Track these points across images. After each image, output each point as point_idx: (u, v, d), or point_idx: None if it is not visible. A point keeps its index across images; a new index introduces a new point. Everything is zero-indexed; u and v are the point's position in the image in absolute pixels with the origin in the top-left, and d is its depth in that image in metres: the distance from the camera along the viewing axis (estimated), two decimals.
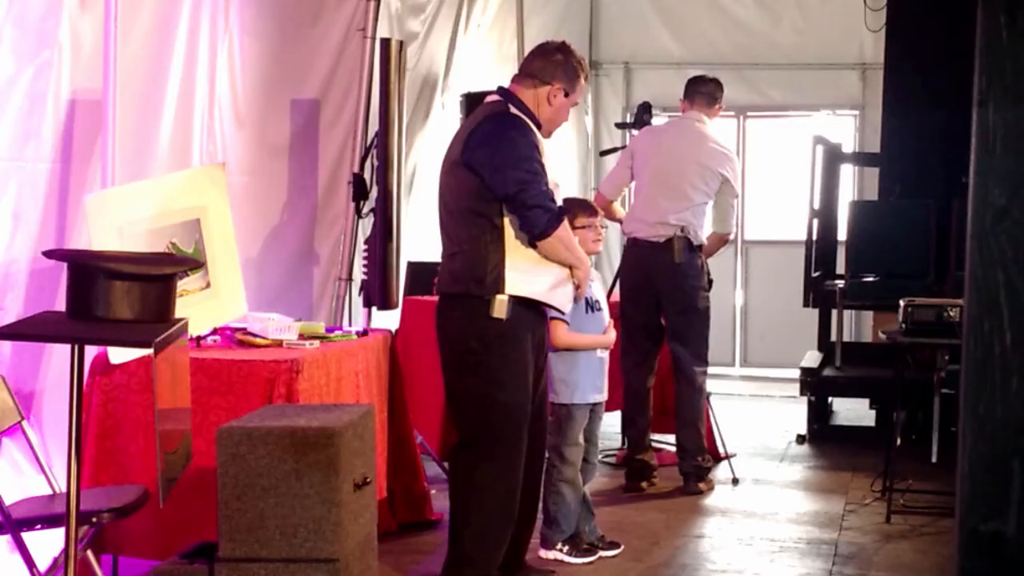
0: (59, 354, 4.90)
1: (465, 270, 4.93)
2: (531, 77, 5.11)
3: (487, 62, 9.86)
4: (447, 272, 5.02)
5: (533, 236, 4.92)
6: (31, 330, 3.44)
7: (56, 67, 5.00)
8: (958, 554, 2.44)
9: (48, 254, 3.52)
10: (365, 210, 7.21)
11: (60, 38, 4.99)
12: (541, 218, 4.87)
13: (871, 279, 9.23)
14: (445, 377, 5.09)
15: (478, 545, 5.01)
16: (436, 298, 5.20)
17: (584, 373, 5.71)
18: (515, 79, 5.18)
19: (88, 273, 3.37)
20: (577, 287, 5.19)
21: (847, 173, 11.14)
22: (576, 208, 5.54)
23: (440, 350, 5.09)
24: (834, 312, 9.52)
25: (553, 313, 5.39)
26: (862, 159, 11.37)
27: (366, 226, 7.20)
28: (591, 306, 5.76)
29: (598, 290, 5.84)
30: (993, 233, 2.12)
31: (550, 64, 5.11)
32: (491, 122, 4.98)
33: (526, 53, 9.90)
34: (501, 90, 5.16)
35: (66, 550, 3.51)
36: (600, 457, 6.54)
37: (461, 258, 4.94)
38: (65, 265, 3.50)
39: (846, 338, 9.87)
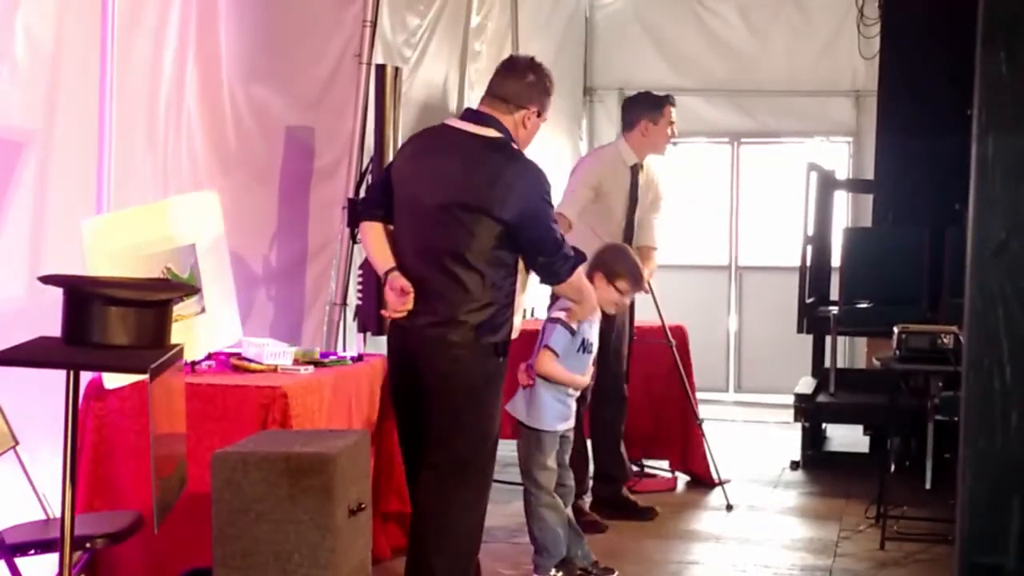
0: (53, 379, 4.88)
1: (488, 321, 4.86)
2: (505, 103, 4.98)
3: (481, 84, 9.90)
4: (467, 324, 4.83)
5: (554, 280, 5.06)
6: (26, 356, 3.43)
7: None
8: None
9: (44, 279, 3.51)
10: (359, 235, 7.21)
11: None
12: (565, 267, 4.99)
13: (865, 305, 9.24)
14: (436, 408, 4.92)
15: (450, 573, 4.98)
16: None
17: (550, 403, 5.71)
18: (490, 104, 5.02)
19: (84, 299, 3.37)
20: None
21: (841, 200, 11.16)
22: (625, 275, 5.84)
23: (434, 383, 4.91)
24: (828, 338, 9.54)
25: (548, 340, 5.61)
26: (856, 186, 11.41)
27: (361, 251, 7.21)
28: (584, 347, 5.75)
29: (595, 333, 5.82)
30: (992, 267, 2.12)
31: (524, 88, 5.01)
32: (519, 174, 4.88)
33: None
34: (488, 118, 4.98)
35: None
36: None
37: (487, 311, 4.84)
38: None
39: (840, 364, 9.88)
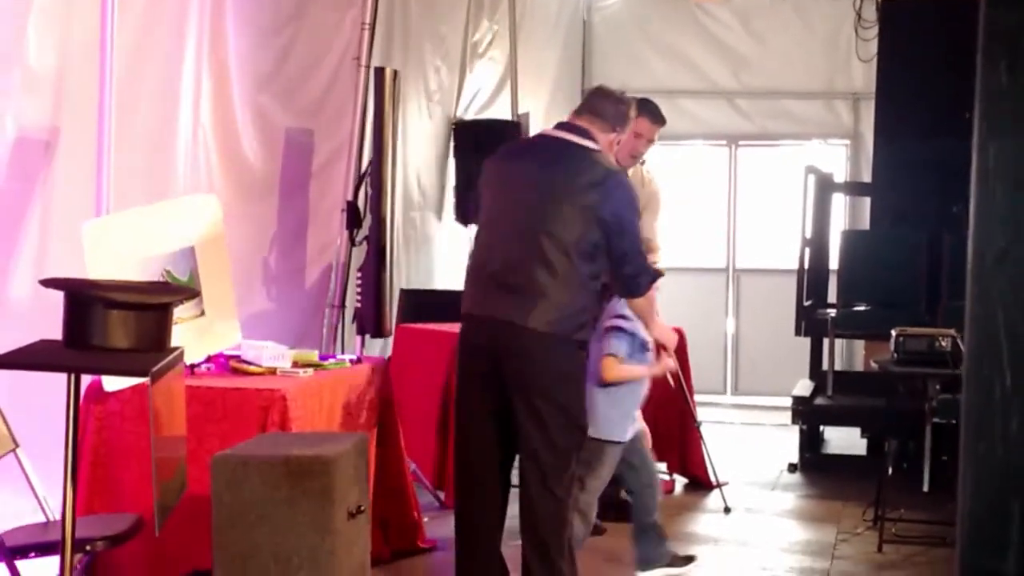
0: (53, 382, 4.89)
1: (576, 314, 5.01)
2: (603, 120, 5.22)
3: (490, 90, 10.01)
4: (558, 310, 4.97)
5: (634, 293, 5.26)
6: (27, 359, 3.44)
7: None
8: None
9: (45, 283, 3.52)
10: (359, 238, 7.23)
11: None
12: (646, 280, 5.21)
13: (863, 308, 9.25)
14: (544, 409, 5.01)
15: (572, 556, 5.15)
16: (485, 321, 5.13)
17: (625, 409, 5.69)
18: (589, 120, 5.22)
19: (85, 302, 3.37)
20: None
21: (839, 202, 11.17)
22: None
23: (536, 379, 5.01)
24: (826, 341, 9.54)
25: (610, 348, 5.59)
26: (854, 188, 11.41)
27: (360, 253, 7.24)
28: (643, 345, 5.74)
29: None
30: (993, 275, 2.13)
31: (620, 113, 5.28)
32: (619, 184, 5.11)
33: (520, 83, 10.15)
34: (587, 132, 5.18)
35: None
36: None
37: (576, 299, 5.01)
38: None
39: (837, 366, 9.88)
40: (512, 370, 4.99)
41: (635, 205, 5.15)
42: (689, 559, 6.03)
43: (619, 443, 5.69)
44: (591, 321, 5.16)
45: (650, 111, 6.88)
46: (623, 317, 5.59)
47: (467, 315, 5.18)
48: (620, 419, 5.67)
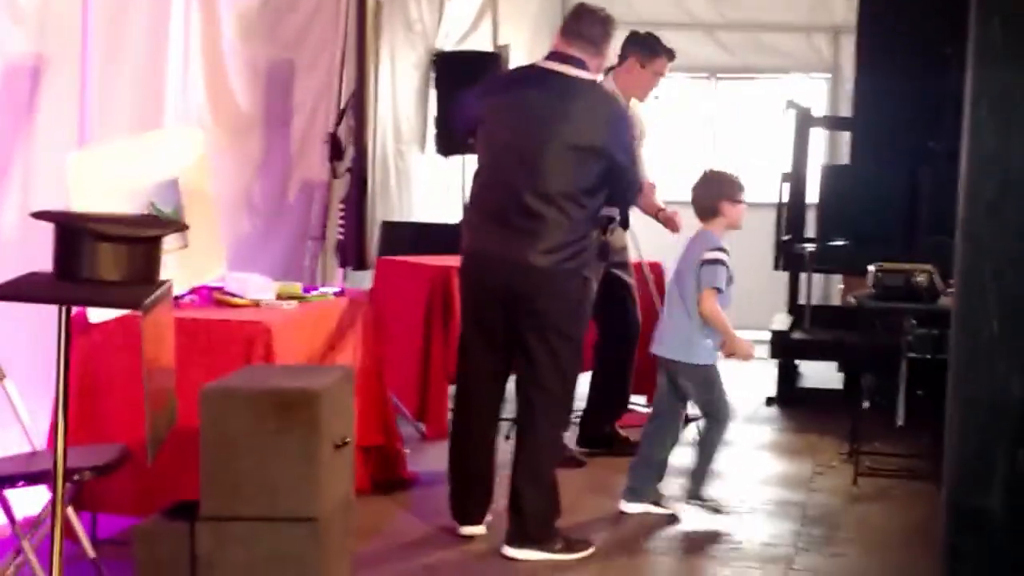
0: (37, 313, 4.91)
1: (582, 248, 5.18)
2: (593, 45, 5.32)
3: (470, 20, 9.98)
4: (565, 247, 5.12)
5: (629, 202, 5.92)
6: (19, 291, 3.45)
7: None
8: (945, 531, 2.51)
9: (36, 215, 3.53)
10: (341, 170, 7.23)
11: None
12: (637, 186, 5.70)
13: (841, 243, 9.28)
14: (556, 342, 5.20)
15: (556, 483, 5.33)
16: (462, 259, 5.37)
17: (712, 337, 5.81)
18: (580, 46, 5.29)
19: (77, 234, 3.39)
20: None
21: (819, 137, 11.16)
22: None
23: (550, 315, 5.17)
24: (803, 275, 9.58)
25: (714, 282, 5.69)
26: (834, 123, 11.40)
27: (341, 185, 7.24)
28: (731, 279, 5.83)
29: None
30: (983, 223, 2.18)
31: (606, 35, 5.39)
32: (621, 115, 5.44)
33: (500, 13, 10.13)
34: (579, 63, 5.25)
35: (52, 508, 3.55)
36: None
37: (582, 234, 5.17)
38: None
39: (815, 301, 9.92)
40: (526, 309, 5.13)
41: (633, 129, 5.49)
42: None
43: (716, 365, 5.87)
44: (595, 253, 5.34)
45: (666, 50, 6.99)
46: (721, 249, 5.68)
47: (472, 253, 5.27)
48: (713, 345, 5.80)
